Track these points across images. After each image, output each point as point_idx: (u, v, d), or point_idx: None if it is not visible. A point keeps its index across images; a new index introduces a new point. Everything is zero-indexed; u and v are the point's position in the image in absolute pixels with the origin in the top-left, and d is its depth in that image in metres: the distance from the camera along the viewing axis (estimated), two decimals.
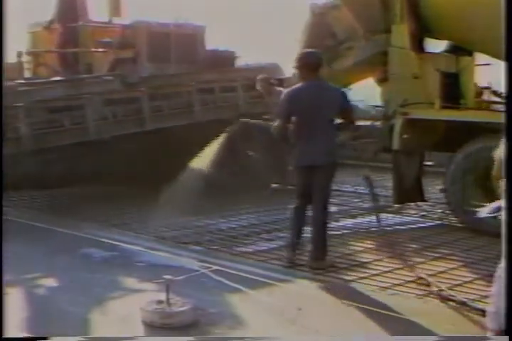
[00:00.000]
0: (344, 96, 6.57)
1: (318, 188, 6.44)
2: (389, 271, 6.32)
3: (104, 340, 4.57)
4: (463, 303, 5.32)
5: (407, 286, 5.89)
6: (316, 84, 6.42)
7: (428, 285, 5.83)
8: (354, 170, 10.98)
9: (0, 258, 4.19)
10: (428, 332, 4.71)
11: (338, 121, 6.69)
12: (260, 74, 10.48)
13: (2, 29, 4.68)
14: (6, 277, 6.04)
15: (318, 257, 6.40)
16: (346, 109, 6.52)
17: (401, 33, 8.60)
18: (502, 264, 3.91)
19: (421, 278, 6.02)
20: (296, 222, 6.55)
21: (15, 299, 5.44)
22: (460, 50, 8.87)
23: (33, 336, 4.14)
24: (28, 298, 5.58)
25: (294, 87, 6.53)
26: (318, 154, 6.36)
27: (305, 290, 5.77)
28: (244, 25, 33.99)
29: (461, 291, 5.69)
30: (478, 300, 5.40)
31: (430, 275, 6.15)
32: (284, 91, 6.59)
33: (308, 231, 6.56)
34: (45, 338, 4.06)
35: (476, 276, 6.19)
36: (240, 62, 12.66)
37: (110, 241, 7.31)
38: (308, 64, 6.43)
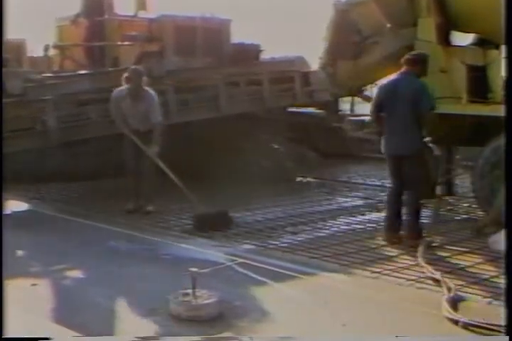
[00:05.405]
0: (418, 90, 6.88)
1: (406, 176, 7.04)
2: (415, 265, 6.29)
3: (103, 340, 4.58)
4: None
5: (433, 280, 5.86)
6: (402, 78, 6.97)
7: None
8: (380, 164, 10.91)
9: (0, 259, 4.23)
10: (452, 328, 4.69)
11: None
12: (286, 67, 10.47)
13: (2, 29, 4.71)
14: (33, 268, 6.19)
15: (412, 236, 7.01)
16: (418, 102, 6.84)
17: (427, 27, 8.54)
18: None
19: (447, 272, 6.01)
20: (391, 205, 7.25)
21: (43, 290, 5.51)
22: (487, 43, 8.79)
23: (33, 336, 4.17)
24: (55, 290, 5.64)
25: (388, 78, 7.13)
26: (401, 144, 6.98)
27: (331, 283, 5.77)
28: (270, 19, 34.00)
29: (488, 286, 5.66)
30: None
31: (457, 269, 6.14)
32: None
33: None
34: (46, 338, 4.09)
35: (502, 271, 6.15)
36: (265, 56, 12.66)
37: (137, 234, 7.36)
38: (407, 59, 7.01)
